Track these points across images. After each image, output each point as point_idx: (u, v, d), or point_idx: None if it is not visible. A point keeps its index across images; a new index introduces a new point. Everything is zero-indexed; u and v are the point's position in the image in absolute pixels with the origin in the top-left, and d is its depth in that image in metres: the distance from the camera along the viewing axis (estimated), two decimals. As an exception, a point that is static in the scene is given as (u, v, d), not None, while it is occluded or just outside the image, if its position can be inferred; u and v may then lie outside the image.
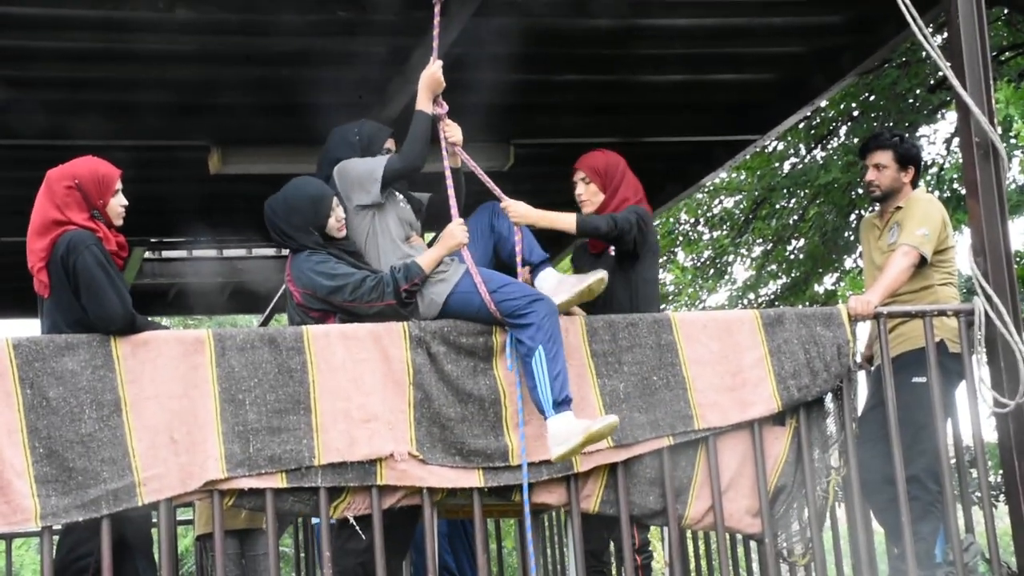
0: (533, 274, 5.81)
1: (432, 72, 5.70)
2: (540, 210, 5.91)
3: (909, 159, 6.43)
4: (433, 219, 5.92)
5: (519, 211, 5.80)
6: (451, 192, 5.69)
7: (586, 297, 5.67)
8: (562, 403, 5.34)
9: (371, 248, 5.67)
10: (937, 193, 11.65)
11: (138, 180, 5.90)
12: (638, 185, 6.18)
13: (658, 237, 6.12)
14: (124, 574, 5.19)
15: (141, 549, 5.40)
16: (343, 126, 5.88)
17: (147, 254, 10.61)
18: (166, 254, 11.05)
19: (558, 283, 5.69)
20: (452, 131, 5.78)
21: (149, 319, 5.48)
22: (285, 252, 5.76)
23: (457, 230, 5.60)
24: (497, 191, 5.79)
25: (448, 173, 5.73)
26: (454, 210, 5.67)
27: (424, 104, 5.70)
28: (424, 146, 5.66)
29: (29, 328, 11.76)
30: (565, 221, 5.90)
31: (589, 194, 6.13)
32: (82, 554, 5.21)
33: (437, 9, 5.78)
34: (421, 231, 5.92)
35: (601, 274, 5.65)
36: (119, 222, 5.37)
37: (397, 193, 5.74)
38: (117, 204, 5.35)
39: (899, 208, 6.34)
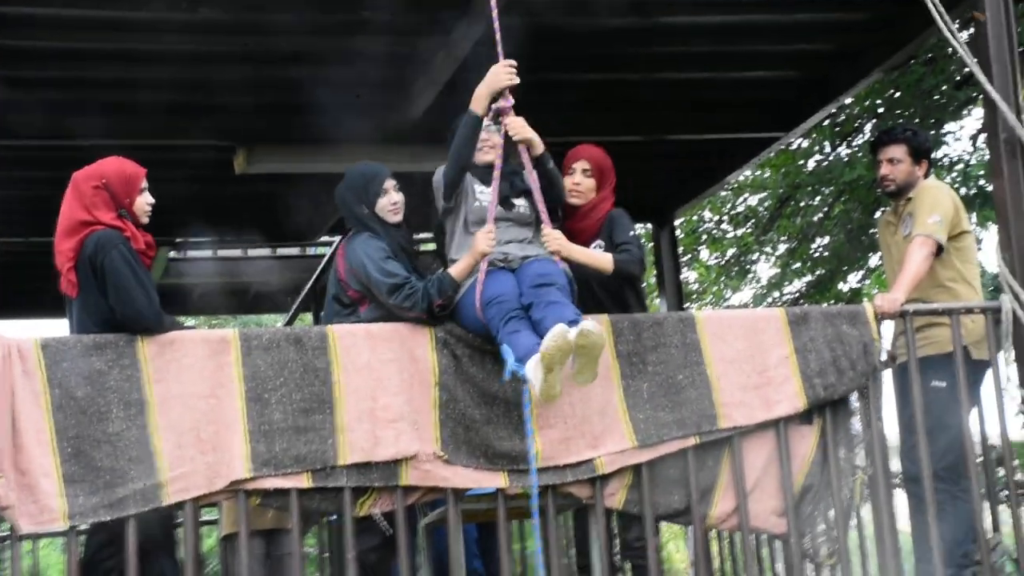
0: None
1: (493, 69, 5.45)
2: (578, 245, 5.66)
3: (922, 152, 6.38)
4: None
5: (558, 242, 5.52)
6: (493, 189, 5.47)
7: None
8: (523, 357, 5.06)
9: (453, 246, 5.61)
10: (964, 190, 11.59)
11: (163, 180, 5.92)
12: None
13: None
14: (149, 574, 5.20)
15: (166, 549, 5.42)
16: None
17: (172, 254, 10.65)
18: (191, 254, 11.09)
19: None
20: (513, 126, 5.47)
21: (176, 319, 5.49)
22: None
23: (480, 238, 5.41)
24: (544, 215, 5.51)
25: (497, 169, 5.46)
26: (489, 215, 5.46)
27: (476, 103, 5.45)
28: (462, 148, 5.47)
29: (53, 328, 11.83)
30: (602, 260, 5.71)
31: (586, 187, 5.94)
32: (108, 555, 5.22)
33: (494, 2, 5.50)
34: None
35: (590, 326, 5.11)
36: (145, 220, 5.39)
37: (473, 190, 5.57)
38: (143, 202, 5.37)
39: (909, 199, 6.29)
